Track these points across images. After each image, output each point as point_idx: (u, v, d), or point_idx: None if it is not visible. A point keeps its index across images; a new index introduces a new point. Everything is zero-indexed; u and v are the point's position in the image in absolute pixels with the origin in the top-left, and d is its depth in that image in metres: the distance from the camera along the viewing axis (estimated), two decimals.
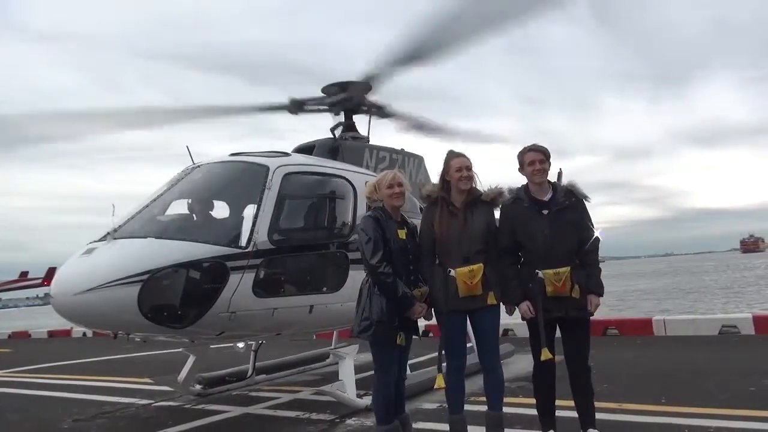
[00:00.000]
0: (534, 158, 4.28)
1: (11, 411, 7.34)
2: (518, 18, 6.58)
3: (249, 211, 5.93)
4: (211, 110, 8.08)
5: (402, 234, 4.33)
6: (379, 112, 8.42)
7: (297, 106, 8.15)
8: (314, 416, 5.85)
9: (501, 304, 4.39)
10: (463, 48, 7.08)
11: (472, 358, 4.56)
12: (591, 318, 4.36)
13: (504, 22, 6.61)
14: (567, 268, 4.12)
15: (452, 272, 4.25)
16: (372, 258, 4.15)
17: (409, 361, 4.97)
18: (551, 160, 4.36)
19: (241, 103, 8.06)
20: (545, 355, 4.16)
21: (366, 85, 7.96)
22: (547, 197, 4.30)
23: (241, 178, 6.28)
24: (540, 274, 4.14)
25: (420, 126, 8.86)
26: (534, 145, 4.36)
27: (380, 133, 8.70)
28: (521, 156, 4.36)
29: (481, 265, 4.25)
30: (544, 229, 4.20)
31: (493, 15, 6.52)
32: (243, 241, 5.52)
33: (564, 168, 4.52)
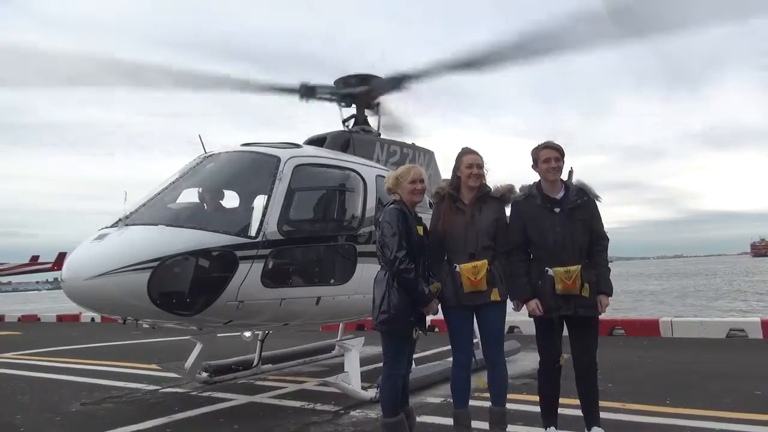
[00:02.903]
0: (549, 156, 4.26)
1: (20, 393, 7.43)
2: (567, 49, 6.74)
3: (259, 201, 5.96)
4: (221, 81, 7.77)
5: (420, 230, 4.35)
6: (395, 85, 8.26)
7: (308, 92, 8.06)
8: (319, 407, 5.89)
9: (507, 300, 4.41)
10: (512, 65, 7.20)
11: (478, 354, 4.57)
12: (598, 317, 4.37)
13: (554, 50, 6.76)
14: (578, 267, 4.13)
15: (457, 268, 4.29)
16: (397, 252, 4.14)
17: (414, 356, 4.99)
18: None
19: (253, 79, 7.83)
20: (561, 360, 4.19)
21: (374, 77, 7.96)
22: (559, 195, 4.30)
23: (253, 169, 6.31)
24: (550, 271, 4.15)
25: (453, 66, 8.58)
26: (549, 142, 4.35)
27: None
28: (536, 153, 4.35)
29: (486, 261, 4.27)
30: (555, 226, 4.20)
31: (545, 42, 6.64)
32: (253, 231, 5.55)
33: (575, 166, 4.52)
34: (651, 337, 10.36)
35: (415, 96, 8.25)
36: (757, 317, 10.75)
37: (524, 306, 4.38)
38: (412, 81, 7.81)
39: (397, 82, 7.93)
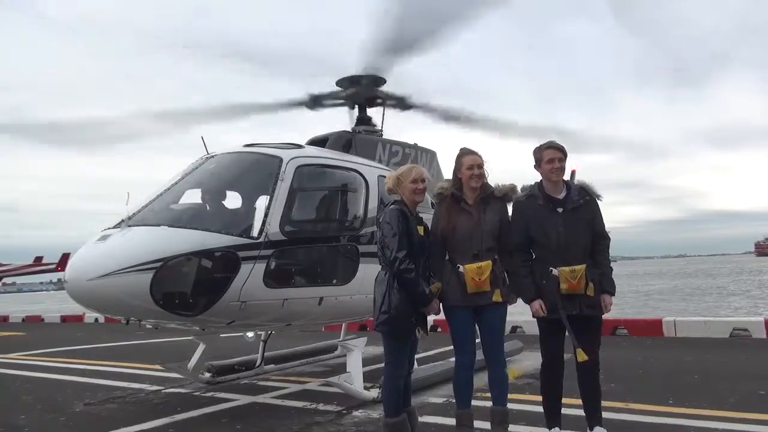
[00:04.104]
0: (553, 156, 4.25)
1: (24, 393, 7.46)
2: None
3: (261, 202, 5.97)
4: (234, 109, 8.06)
5: (420, 230, 4.35)
6: (399, 103, 8.39)
7: (315, 102, 8.19)
8: (321, 407, 5.90)
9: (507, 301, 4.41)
10: (454, 30, 7.17)
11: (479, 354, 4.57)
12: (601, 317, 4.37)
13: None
14: (582, 266, 4.12)
15: (461, 268, 4.28)
16: (397, 252, 4.13)
17: (416, 356, 4.99)
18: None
19: (262, 101, 8.09)
20: (581, 356, 4.14)
21: (377, 77, 7.98)
22: (561, 195, 4.30)
23: (255, 169, 6.32)
24: (554, 271, 4.14)
25: (446, 115, 8.73)
26: (552, 142, 4.34)
27: (394, 127, 8.70)
28: (539, 153, 4.34)
29: (490, 262, 4.27)
30: (558, 226, 4.19)
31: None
32: (255, 232, 5.55)
33: (578, 166, 4.52)
34: (654, 336, 10.34)
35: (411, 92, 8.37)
36: (760, 317, 10.72)
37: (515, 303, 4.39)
38: (413, 108, 7.93)
39: (399, 102, 8.03)
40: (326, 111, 8.55)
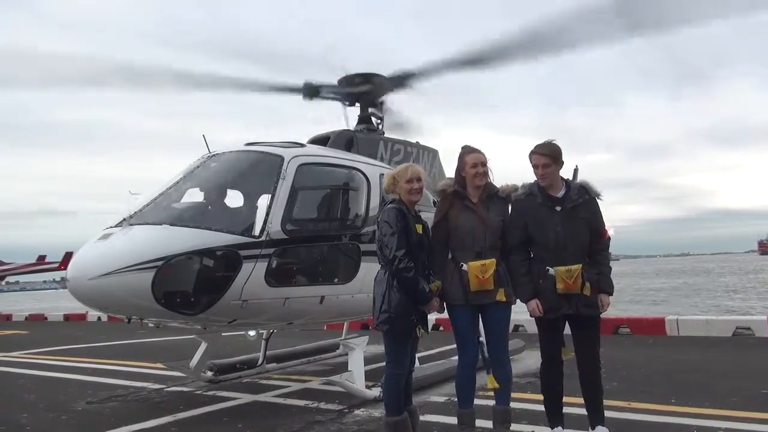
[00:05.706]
0: (536, 162, 4.23)
1: (27, 392, 7.47)
2: (572, 46, 6.79)
3: (263, 200, 5.96)
4: (223, 81, 7.78)
5: (419, 228, 4.33)
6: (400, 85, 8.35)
7: (311, 92, 8.04)
8: (323, 406, 5.89)
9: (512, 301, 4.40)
10: (517, 62, 7.26)
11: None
12: (603, 316, 4.35)
13: (559, 48, 6.81)
14: (579, 265, 4.10)
15: (464, 266, 4.27)
16: (396, 251, 4.12)
17: (418, 354, 4.97)
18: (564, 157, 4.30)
19: (254, 79, 7.80)
20: (566, 353, 4.19)
21: (393, 80, 7.95)
22: (560, 194, 4.28)
23: (256, 168, 6.32)
24: (551, 270, 4.12)
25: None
26: (538, 147, 4.27)
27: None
28: (529, 156, 4.32)
29: (494, 260, 4.25)
30: (557, 225, 4.17)
31: (550, 38, 6.67)
32: (256, 231, 5.55)
33: (581, 165, 4.50)
34: (657, 335, 10.31)
35: (420, 94, 8.27)
36: (763, 316, 10.69)
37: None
38: (416, 79, 7.80)
39: (400, 81, 7.91)
40: (328, 111, 8.50)
